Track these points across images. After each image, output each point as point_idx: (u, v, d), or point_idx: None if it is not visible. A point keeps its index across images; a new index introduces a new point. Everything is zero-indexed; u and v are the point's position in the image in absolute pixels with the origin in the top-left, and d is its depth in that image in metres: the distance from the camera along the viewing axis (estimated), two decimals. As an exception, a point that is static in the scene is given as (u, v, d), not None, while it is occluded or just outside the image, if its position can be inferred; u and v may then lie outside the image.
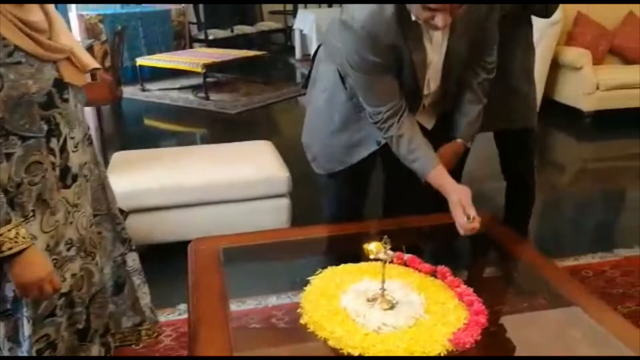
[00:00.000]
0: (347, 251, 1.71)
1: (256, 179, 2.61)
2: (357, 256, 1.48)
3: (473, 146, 1.91)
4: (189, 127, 5.23)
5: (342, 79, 1.77)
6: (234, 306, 1.57)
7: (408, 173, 1.65)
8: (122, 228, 1.61)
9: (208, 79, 5.99)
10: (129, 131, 5.00)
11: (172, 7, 7.07)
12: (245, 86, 6.32)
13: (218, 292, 1.43)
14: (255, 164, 2.71)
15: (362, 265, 1.52)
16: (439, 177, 1.55)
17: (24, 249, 1.17)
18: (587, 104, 4.65)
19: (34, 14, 1.22)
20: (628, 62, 4.92)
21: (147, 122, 5.52)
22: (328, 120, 1.85)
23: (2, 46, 1.14)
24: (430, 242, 1.89)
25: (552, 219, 2.40)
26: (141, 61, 6.16)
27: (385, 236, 1.32)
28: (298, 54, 7.92)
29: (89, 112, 4.61)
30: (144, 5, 7.13)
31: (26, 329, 1.28)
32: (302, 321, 1.33)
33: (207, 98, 5.75)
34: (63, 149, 1.30)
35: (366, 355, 1.20)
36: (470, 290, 1.41)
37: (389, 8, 1.48)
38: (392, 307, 1.32)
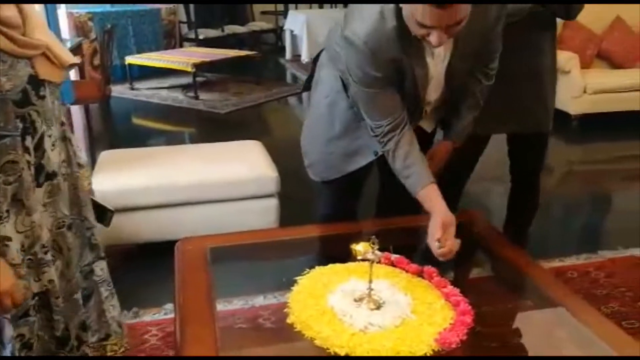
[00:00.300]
0: (335, 251, 1.71)
1: (245, 178, 2.61)
2: (345, 256, 1.48)
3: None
4: (178, 126, 5.22)
5: (344, 86, 1.76)
6: (221, 306, 1.56)
7: (403, 187, 1.63)
8: (92, 234, 1.52)
9: (198, 79, 5.98)
10: (117, 130, 4.98)
11: (163, 6, 7.05)
12: (235, 86, 6.31)
13: (205, 291, 1.43)
14: (244, 164, 2.70)
15: (350, 265, 1.52)
16: (429, 196, 1.52)
17: None
18: (574, 107, 4.69)
19: (6, 9, 1.17)
20: (615, 66, 4.97)
21: (136, 121, 5.49)
22: (328, 126, 1.84)
23: None
24: (417, 243, 1.90)
25: (539, 221, 2.41)
26: (130, 60, 6.13)
27: (373, 236, 1.33)
28: (288, 54, 7.92)
29: (77, 111, 4.59)
30: (134, 3, 7.10)
31: (7, 330, 1.26)
32: (289, 321, 1.33)
33: (197, 97, 5.74)
34: (38, 146, 1.26)
35: (353, 354, 1.20)
36: (457, 290, 1.42)
37: (390, 22, 1.46)
38: (379, 307, 1.33)
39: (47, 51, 1.26)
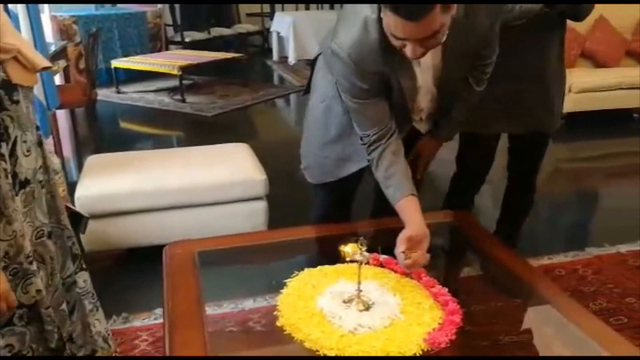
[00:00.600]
0: (324, 253, 1.71)
1: (233, 181, 2.60)
2: (334, 258, 1.48)
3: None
4: (165, 129, 5.19)
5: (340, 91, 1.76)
6: (210, 310, 1.55)
7: None
8: (73, 243, 1.49)
9: (184, 81, 5.95)
10: (104, 134, 4.94)
11: (148, 8, 7.01)
12: (222, 88, 6.29)
13: (194, 295, 1.42)
14: (232, 167, 2.70)
15: (338, 266, 1.52)
16: (406, 207, 1.51)
17: None
18: (559, 106, 4.73)
19: None
20: (599, 65, 5.02)
21: (123, 124, 5.46)
22: (324, 130, 1.85)
23: None
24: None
25: (527, 219, 2.44)
26: (116, 63, 6.09)
27: (361, 238, 1.33)
28: (275, 56, 7.91)
29: (62, 115, 4.55)
30: (119, 6, 7.06)
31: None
32: (278, 323, 1.33)
33: (184, 100, 5.71)
34: (12, 153, 1.23)
35: (342, 356, 1.20)
36: (445, 290, 1.42)
37: (373, 34, 1.44)
38: (368, 308, 1.33)
39: (19, 55, 1.24)
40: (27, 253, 1.27)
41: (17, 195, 1.25)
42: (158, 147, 4.00)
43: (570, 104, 4.72)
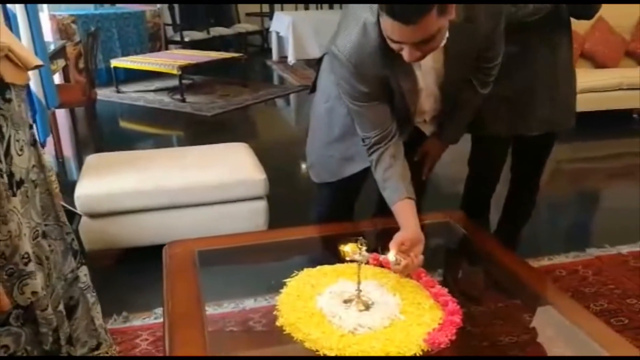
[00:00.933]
0: (324, 253, 1.71)
1: (232, 181, 2.60)
2: (334, 258, 1.48)
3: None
4: (165, 129, 5.19)
5: None
6: (211, 310, 1.55)
7: None
8: (73, 239, 1.50)
9: (184, 81, 5.95)
10: (103, 134, 4.94)
11: (147, 8, 7.00)
12: (221, 88, 6.28)
13: (194, 295, 1.42)
14: (232, 166, 2.69)
15: (338, 266, 1.52)
16: (401, 211, 1.51)
17: None
18: (559, 107, 4.73)
19: None
20: (598, 66, 5.02)
21: (122, 124, 5.46)
22: (328, 130, 1.85)
23: None
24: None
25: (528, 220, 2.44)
26: (116, 63, 6.09)
27: (361, 237, 1.33)
28: (275, 55, 7.91)
29: (62, 115, 4.55)
30: (118, 6, 7.05)
31: None
32: (278, 323, 1.33)
33: (183, 100, 5.71)
34: (7, 153, 1.22)
35: (342, 356, 1.20)
36: (445, 290, 1.42)
37: (373, 38, 1.44)
38: (367, 308, 1.33)
39: (10, 53, 1.23)
40: (22, 254, 1.26)
41: (15, 195, 1.25)
42: (158, 147, 4.00)
43: (570, 104, 4.73)
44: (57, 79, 4.54)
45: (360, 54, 1.47)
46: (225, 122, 5.15)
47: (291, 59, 7.33)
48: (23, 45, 1.33)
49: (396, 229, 1.47)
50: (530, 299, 1.55)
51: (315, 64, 1.98)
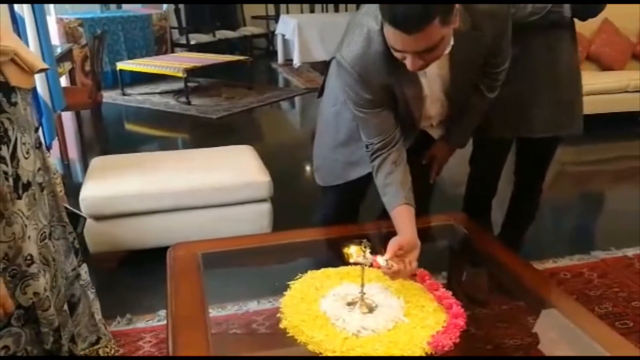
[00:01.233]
0: (328, 255, 1.71)
1: (237, 183, 2.60)
2: (338, 260, 1.48)
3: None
4: (170, 132, 5.20)
5: None
6: (214, 312, 1.56)
7: None
8: (74, 238, 1.52)
9: (190, 84, 5.97)
10: (109, 136, 4.96)
11: (153, 11, 7.03)
12: (227, 91, 6.30)
13: (197, 297, 1.42)
14: (237, 169, 2.70)
15: (342, 269, 1.52)
16: (399, 216, 1.51)
17: None
18: (565, 109, 4.71)
19: None
20: (604, 68, 5.00)
21: (128, 126, 5.47)
22: (334, 133, 1.87)
23: None
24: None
25: (532, 222, 2.43)
26: (122, 65, 6.11)
27: (365, 240, 1.33)
28: (280, 58, 7.92)
29: (68, 117, 4.57)
30: (124, 9, 7.09)
31: None
32: (281, 326, 1.33)
33: (189, 103, 5.73)
34: (13, 156, 1.23)
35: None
36: (449, 293, 1.42)
37: (377, 46, 1.44)
38: (371, 311, 1.33)
39: (16, 57, 1.24)
40: (25, 255, 1.27)
41: (21, 198, 1.25)
42: (163, 149, 4.02)
43: (576, 107, 4.71)
44: (64, 81, 4.56)
45: (364, 62, 1.48)
46: (230, 124, 5.16)
47: (296, 62, 7.34)
48: (29, 49, 1.34)
49: (394, 232, 1.47)
50: (534, 302, 1.54)
51: (325, 67, 1.99)
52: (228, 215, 2.61)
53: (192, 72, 5.89)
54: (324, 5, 8.86)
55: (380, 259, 1.36)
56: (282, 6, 8.61)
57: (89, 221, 2.44)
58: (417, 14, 1.23)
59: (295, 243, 1.83)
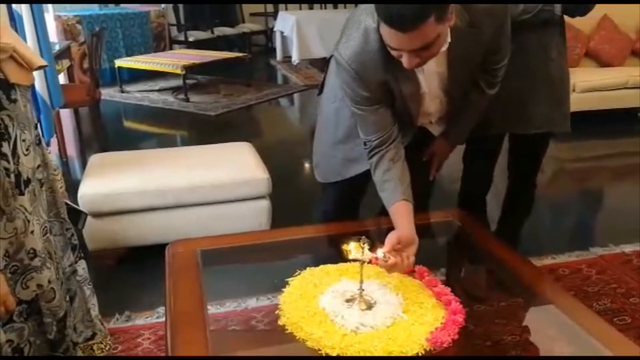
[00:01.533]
0: (327, 252, 1.71)
1: (236, 180, 2.60)
2: (336, 257, 1.48)
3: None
4: (169, 129, 5.20)
5: None
6: (213, 309, 1.56)
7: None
8: (72, 234, 1.53)
9: (188, 81, 5.96)
10: (107, 133, 4.95)
11: (152, 8, 7.02)
12: (225, 88, 6.29)
13: (196, 294, 1.42)
14: (235, 166, 2.70)
15: (341, 265, 1.52)
16: (397, 212, 1.51)
17: None
18: (564, 106, 4.71)
19: None
20: (603, 64, 5.00)
21: (126, 124, 5.47)
22: (333, 130, 1.87)
23: None
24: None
25: (530, 219, 2.43)
26: (120, 63, 6.10)
27: (364, 236, 1.33)
28: (279, 55, 7.90)
29: (66, 114, 4.56)
30: (122, 6, 7.07)
31: (1, 337, 1.26)
32: (280, 322, 1.33)
33: (187, 100, 5.72)
34: (14, 152, 1.24)
35: (344, 355, 1.20)
36: (448, 289, 1.42)
37: (374, 44, 1.44)
38: (370, 307, 1.33)
39: (15, 53, 1.24)
40: (28, 249, 1.28)
41: (23, 194, 1.26)
42: (161, 147, 4.02)
43: (575, 103, 4.64)
44: (62, 79, 4.55)
45: (361, 59, 1.48)
46: (228, 121, 5.15)
47: (295, 59, 7.33)
48: (27, 45, 1.34)
49: (393, 229, 1.47)
50: (533, 298, 1.55)
51: (324, 64, 1.99)
52: (227, 212, 2.61)
53: (190, 69, 5.88)
54: (323, 2, 8.85)
55: (378, 251, 1.36)
56: (281, 3, 8.60)
57: (87, 218, 2.44)
58: (412, 12, 1.23)
59: (294, 240, 1.83)
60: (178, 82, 6.03)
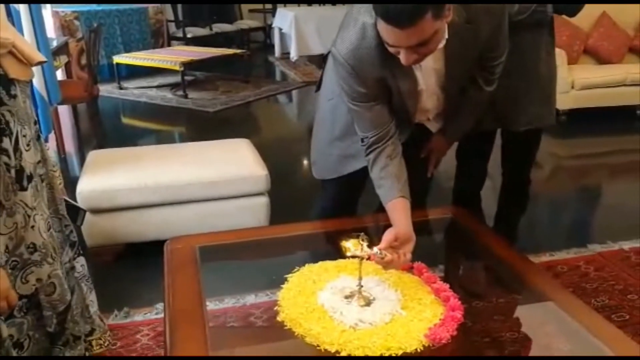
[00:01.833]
0: (325, 248, 1.71)
1: (234, 177, 2.60)
2: (335, 253, 1.48)
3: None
4: (167, 125, 5.19)
5: None
6: (212, 305, 1.55)
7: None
8: (71, 231, 1.53)
9: (186, 77, 5.95)
10: (105, 130, 4.94)
11: (150, 5, 7.00)
12: (224, 84, 6.28)
13: (195, 290, 1.42)
14: (234, 162, 2.69)
15: (340, 262, 1.52)
16: (394, 209, 1.51)
17: None
18: (562, 103, 4.71)
19: None
20: (602, 62, 5.00)
21: (124, 120, 5.46)
22: (330, 127, 1.87)
23: None
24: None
25: (528, 215, 2.43)
26: (118, 59, 6.09)
27: (362, 233, 1.32)
28: (277, 52, 7.90)
29: (64, 111, 4.55)
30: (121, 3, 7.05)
31: (3, 331, 1.26)
32: (279, 319, 1.33)
33: (186, 96, 5.71)
34: (16, 148, 1.24)
35: (343, 352, 1.20)
36: (447, 286, 1.42)
37: (371, 40, 1.44)
38: (368, 304, 1.33)
39: (14, 49, 1.24)
40: (28, 244, 1.28)
41: (26, 189, 1.26)
42: (160, 143, 4.01)
43: (573, 100, 4.71)
44: (60, 75, 4.54)
45: (358, 56, 1.47)
46: (227, 118, 5.15)
47: (293, 55, 7.32)
48: (27, 41, 1.34)
49: (391, 225, 1.47)
50: (531, 295, 1.55)
51: (322, 61, 1.98)
52: (225, 208, 2.61)
53: (189, 66, 5.88)
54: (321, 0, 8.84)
55: (374, 248, 1.36)
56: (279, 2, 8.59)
57: (86, 215, 2.43)
58: (409, 9, 1.23)
59: (292, 236, 1.83)
60: (176, 78, 6.03)
